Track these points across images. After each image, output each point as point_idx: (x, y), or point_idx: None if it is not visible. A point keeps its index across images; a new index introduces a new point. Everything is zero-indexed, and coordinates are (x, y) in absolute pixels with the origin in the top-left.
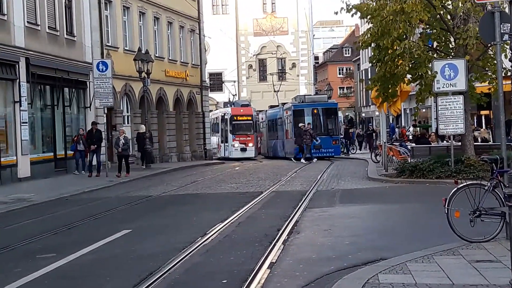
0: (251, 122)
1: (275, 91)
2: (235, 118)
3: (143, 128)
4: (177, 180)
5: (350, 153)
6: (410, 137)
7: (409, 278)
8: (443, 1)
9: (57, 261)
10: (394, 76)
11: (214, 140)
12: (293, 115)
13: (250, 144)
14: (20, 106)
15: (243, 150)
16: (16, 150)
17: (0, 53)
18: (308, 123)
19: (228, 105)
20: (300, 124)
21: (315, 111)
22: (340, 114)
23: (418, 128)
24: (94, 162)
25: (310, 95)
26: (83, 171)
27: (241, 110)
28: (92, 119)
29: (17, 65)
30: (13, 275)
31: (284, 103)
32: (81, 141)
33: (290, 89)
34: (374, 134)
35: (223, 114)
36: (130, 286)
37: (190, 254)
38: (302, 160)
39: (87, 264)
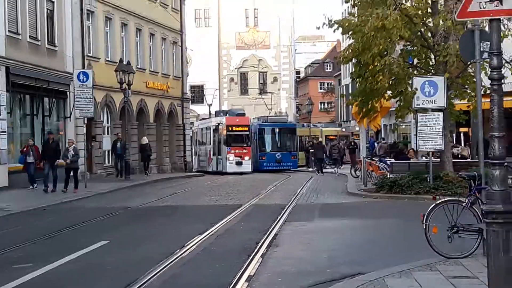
0: (248, 132)
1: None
2: (230, 128)
3: (145, 140)
4: (157, 192)
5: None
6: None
7: None
8: (424, 19)
9: (33, 271)
10: (374, 91)
11: (203, 153)
12: (257, 133)
13: (246, 158)
14: None
15: (239, 164)
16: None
17: None
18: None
19: (221, 114)
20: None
21: (276, 130)
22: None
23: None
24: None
25: (272, 116)
26: (36, 186)
27: (237, 120)
28: (72, 129)
29: None
30: None
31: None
32: (31, 153)
33: (270, 103)
34: (356, 149)
35: (216, 124)
36: None
37: (168, 266)
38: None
39: (64, 274)
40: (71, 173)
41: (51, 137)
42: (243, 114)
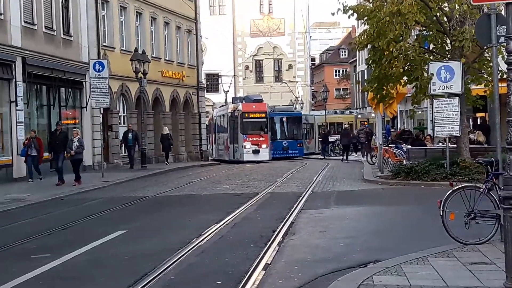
0: (265, 119)
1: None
2: (246, 115)
3: (166, 130)
4: (173, 181)
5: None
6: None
7: (404, 280)
8: (440, 3)
9: (52, 261)
10: (389, 77)
11: (222, 141)
12: None
13: (264, 145)
14: (16, 105)
15: (256, 152)
16: (12, 150)
17: None
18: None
19: (238, 100)
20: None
21: (284, 119)
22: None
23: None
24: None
25: (280, 105)
26: (30, 179)
27: (254, 106)
28: (88, 119)
29: (13, 65)
30: (8, 275)
31: None
32: (32, 145)
33: (286, 90)
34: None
35: (232, 111)
36: (129, 283)
37: (185, 255)
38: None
39: (82, 264)
40: (75, 166)
41: (59, 128)
42: (261, 100)
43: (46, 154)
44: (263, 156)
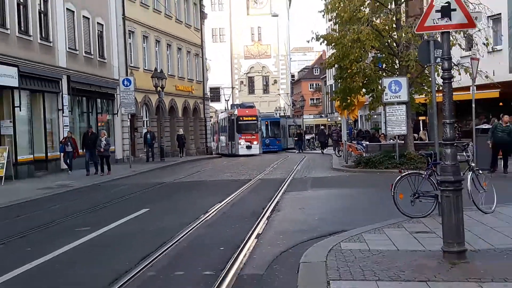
0: (256, 122)
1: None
2: (241, 118)
3: (181, 131)
4: (185, 171)
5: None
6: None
7: (364, 245)
8: (390, 32)
9: (91, 233)
10: (352, 90)
11: (223, 139)
12: None
13: (255, 142)
14: (63, 113)
15: (248, 147)
16: (59, 148)
17: (48, 72)
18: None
19: (235, 107)
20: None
21: (266, 123)
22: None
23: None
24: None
25: (263, 112)
26: (71, 171)
27: (247, 111)
28: (119, 123)
29: (60, 81)
30: (58, 244)
31: None
32: (69, 143)
33: (272, 100)
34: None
35: (229, 115)
36: (149, 252)
37: (195, 228)
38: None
39: (115, 235)
40: (104, 160)
41: (90, 130)
42: (252, 106)
43: (80, 151)
44: (254, 150)
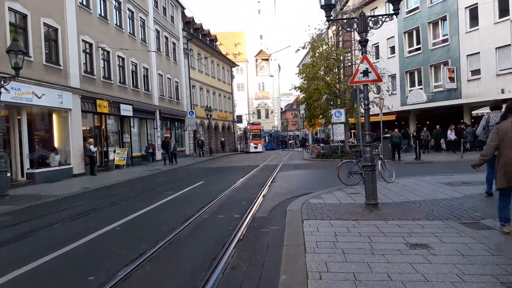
0: (260, 132)
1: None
2: (251, 131)
3: (222, 139)
4: (223, 160)
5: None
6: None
7: (322, 200)
8: (335, 84)
9: (172, 195)
10: (314, 116)
11: (243, 143)
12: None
13: (259, 144)
14: (156, 130)
15: (256, 147)
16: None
17: (149, 107)
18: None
19: (248, 124)
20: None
21: (267, 135)
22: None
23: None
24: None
25: (266, 129)
26: (151, 163)
27: (254, 126)
28: (187, 135)
29: (155, 113)
30: (155, 200)
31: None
32: (150, 147)
33: (270, 122)
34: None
35: (245, 129)
36: (203, 205)
37: (228, 192)
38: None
39: (185, 196)
40: (174, 156)
41: (166, 139)
42: (258, 123)
43: (159, 151)
44: (259, 149)
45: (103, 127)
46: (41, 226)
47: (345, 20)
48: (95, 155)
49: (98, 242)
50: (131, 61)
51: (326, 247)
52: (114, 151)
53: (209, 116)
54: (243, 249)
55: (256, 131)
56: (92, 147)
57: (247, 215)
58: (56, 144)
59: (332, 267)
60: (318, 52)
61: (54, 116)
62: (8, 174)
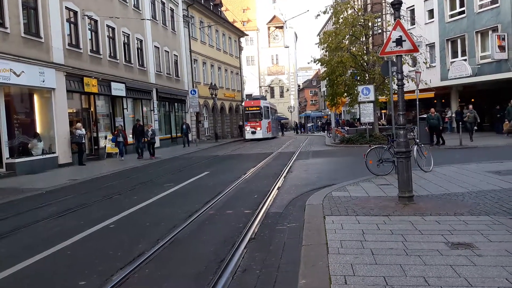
0: (260, 111)
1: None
2: (247, 108)
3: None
4: (230, 148)
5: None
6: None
7: (347, 193)
8: (362, 56)
9: (173, 187)
10: (337, 94)
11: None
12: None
13: (259, 128)
14: (153, 112)
15: (253, 132)
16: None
17: (144, 86)
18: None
19: (243, 101)
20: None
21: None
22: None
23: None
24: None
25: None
26: (119, 157)
27: (252, 103)
28: (189, 118)
29: (151, 92)
30: (153, 194)
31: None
32: (120, 135)
33: (286, 101)
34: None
35: (241, 107)
36: (209, 199)
37: (238, 183)
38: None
39: (188, 188)
40: (151, 146)
41: (138, 123)
42: (258, 98)
43: (130, 140)
44: (258, 135)
45: (92, 109)
46: (23, 224)
47: None
48: (83, 141)
49: (89, 242)
50: (123, 32)
51: (352, 247)
52: (105, 137)
53: (214, 96)
54: (256, 250)
55: (254, 109)
56: (80, 131)
57: (259, 211)
58: (38, 130)
59: (359, 270)
60: (342, 18)
61: (36, 97)
62: None
